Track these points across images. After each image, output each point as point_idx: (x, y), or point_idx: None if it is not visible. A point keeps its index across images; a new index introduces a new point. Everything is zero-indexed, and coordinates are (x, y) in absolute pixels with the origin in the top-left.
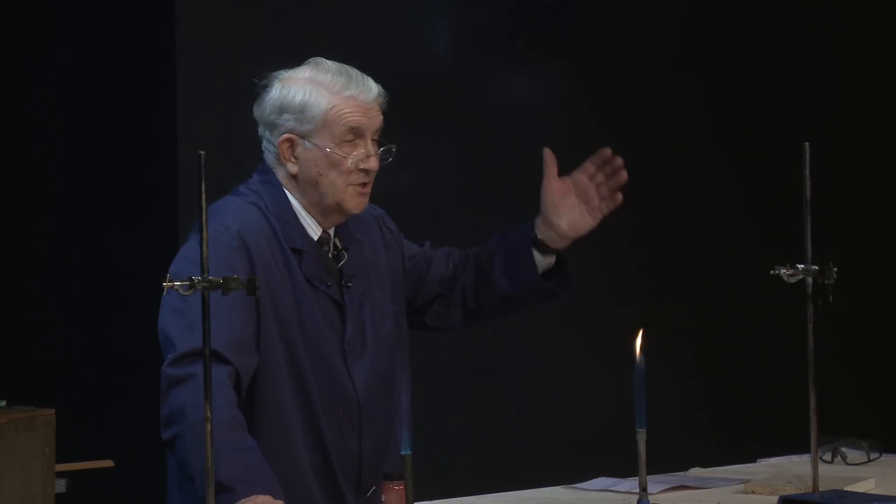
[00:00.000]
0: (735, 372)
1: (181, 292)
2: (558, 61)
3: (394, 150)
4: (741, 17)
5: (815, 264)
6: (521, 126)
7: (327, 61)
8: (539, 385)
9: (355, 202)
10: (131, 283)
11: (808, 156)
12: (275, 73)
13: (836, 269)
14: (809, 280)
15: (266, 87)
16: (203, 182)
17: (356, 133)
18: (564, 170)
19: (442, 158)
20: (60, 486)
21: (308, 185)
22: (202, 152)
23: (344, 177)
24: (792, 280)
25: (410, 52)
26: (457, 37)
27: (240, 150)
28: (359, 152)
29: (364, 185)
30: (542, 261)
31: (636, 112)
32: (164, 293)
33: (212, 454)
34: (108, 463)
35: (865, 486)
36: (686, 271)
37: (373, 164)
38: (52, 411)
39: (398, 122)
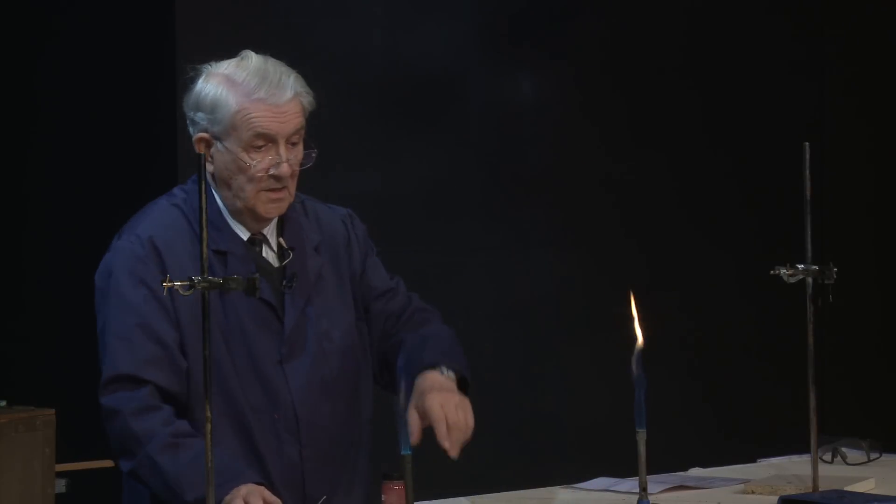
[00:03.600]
0: (735, 372)
1: (181, 292)
2: (558, 61)
3: (315, 155)
4: (741, 17)
5: (815, 264)
6: (521, 126)
7: (253, 56)
8: (539, 385)
9: (268, 208)
10: None
11: (808, 156)
12: (203, 65)
13: (836, 269)
14: (809, 280)
15: (193, 78)
16: (203, 182)
17: (266, 138)
18: (564, 170)
19: (441, 159)
20: (60, 486)
21: (223, 186)
22: (202, 153)
23: (253, 183)
24: (792, 280)
25: (410, 52)
26: (457, 37)
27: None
28: (267, 159)
29: (278, 190)
30: None
31: (636, 112)
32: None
33: (211, 451)
34: (108, 463)
35: (865, 486)
36: (686, 271)
37: (283, 170)
38: (52, 411)
39: (398, 122)
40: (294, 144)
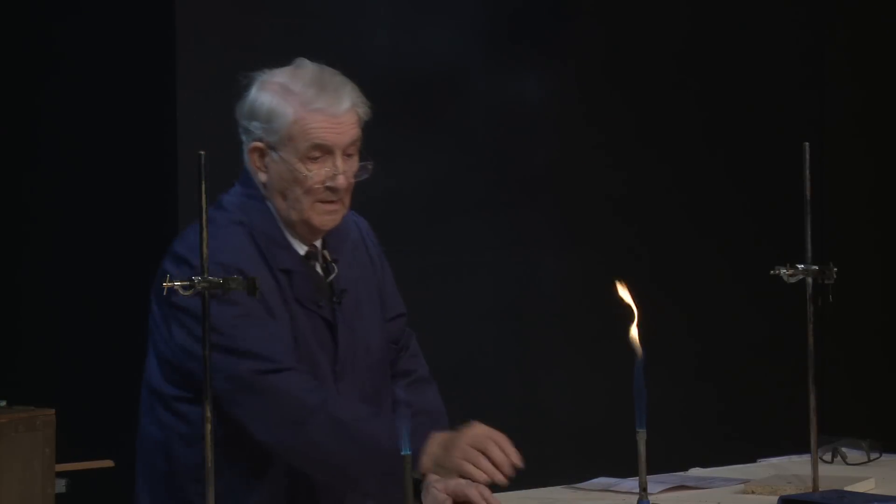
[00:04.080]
0: (735, 372)
1: (181, 292)
2: (559, 61)
3: (370, 167)
4: (741, 17)
5: (815, 264)
6: (522, 126)
7: (308, 65)
8: (539, 385)
9: (323, 219)
10: (132, 283)
11: (808, 156)
12: (257, 73)
13: (835, 269)
14: (809, 280)
15: (247, 86)
16: (203, 182)
17: (322, 149)
18: (565, 170)
19: (442, 159)
20: (60, 486)
21: (277, 196)
22: (202, 152)
23: (309, 195)
24: (792, 280)
25: (411, 53)
26: (458, 37)
27: (240, 151)
28: (324, 170)
29: (333, 202)
30: None
31: (636, 112)
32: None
33: (212, 450)
34: (108, 463)
35: (865, 486)
36: (686, 271)
37: (340, 182)
38: (52, 411)
39: (398, 123)
40: (349, 156)
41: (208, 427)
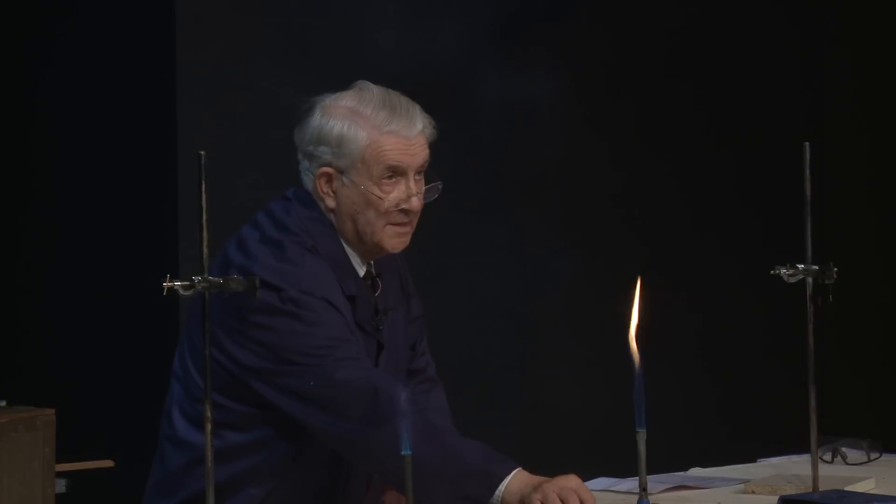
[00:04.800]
0: (735, 372)
1: (181, 293)
2: (559, 62)
3: (440, 187)
4: (741, 17)
5: (815, 264)
6: (523, 126)
7: (373, 87)
8: (539, 385)
9: (394, 242)
10: (131, 283)
11: (808, 156)
12: (318, 97)
13: (836, 269)
14: (809, 280)
15: (308, 111)
16: (203, 182)
17: (396, 171)
18: (566, 170)
19: (443, 159)
20: (60, 486)
21: (346, 221)
22: (202, 152)
23: (382, 217)
24: (792, 280)
25: (410, 52)
26: (459, 37)
27: (240, 150)
28: (398, 192)
29: (404, 224)
30: None
31: (636, 112)
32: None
33: (211, 450)
34: (108, 463)
35: (865, 486)
36: (686, 271)
37: (415, 204)
38: (52, 411)
39: None
40: (419, 177)
41: (208, 427)
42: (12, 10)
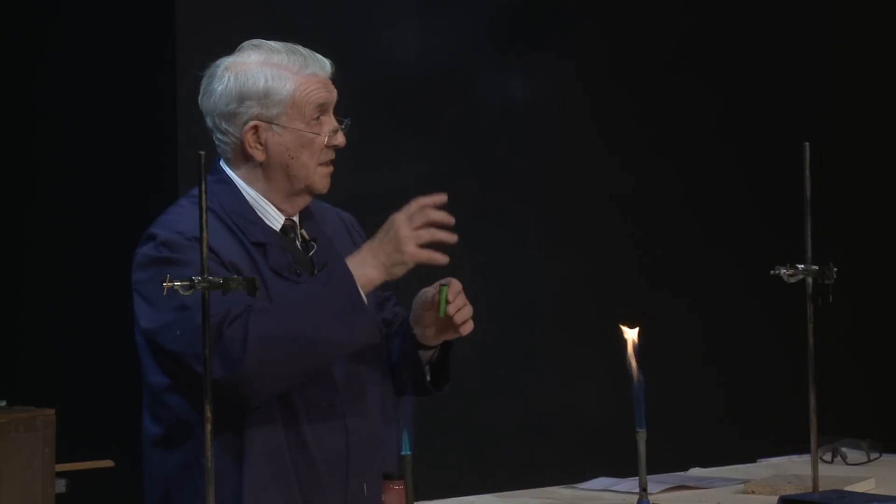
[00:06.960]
0: (735, 372)
1: (181, 293)
2: (558, 61)
3: (349, 122)
4: (743, 18)
5: (815, 264)
6: (523, 126)
7: (268, 42)
8: (539, 385)
9: (325, 182)
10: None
11: (808, 156)
12: (216, 63)
13: (836, 269)
14: (809, 280)
15: (211, 77)
16: (203, 182)
17: (322, 110)
18: (566, 170)
19: (442, 158)
20: (60, 486)
21: (277, 171)
22: (202, 152)
23: (315, 157)
24: (792, 280)
25: (410, 52)
26: (459, 37)
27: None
28: (328, 128)
29: (329, 164)
30: (424, 354)
31: (636, 112)
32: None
33: (211, 450)
34: (108, 463)
35: (865, 486)
36: (687, 271)
37: (340, 139)
38: (52, 411)
39: (397, 122)
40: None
41: (208, 427)
42: (12, 10)
